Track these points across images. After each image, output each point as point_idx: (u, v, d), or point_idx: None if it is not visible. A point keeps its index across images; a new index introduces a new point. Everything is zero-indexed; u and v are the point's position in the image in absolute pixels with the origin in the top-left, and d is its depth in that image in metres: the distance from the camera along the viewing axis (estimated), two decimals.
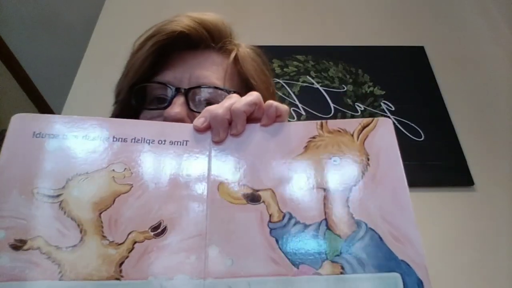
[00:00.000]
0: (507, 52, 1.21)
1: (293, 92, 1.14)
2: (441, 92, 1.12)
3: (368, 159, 0.36)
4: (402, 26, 1.31)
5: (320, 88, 1.15)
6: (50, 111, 2.18)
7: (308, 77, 1.17)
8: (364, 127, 0.38)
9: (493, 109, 1.10)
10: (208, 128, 0.37)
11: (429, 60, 1.19)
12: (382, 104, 1.10)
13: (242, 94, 0.47)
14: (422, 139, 1.02)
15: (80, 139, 0.34)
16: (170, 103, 0.46)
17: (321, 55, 1.21)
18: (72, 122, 0.35)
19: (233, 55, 0.53)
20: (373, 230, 0.33)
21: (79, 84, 1.19)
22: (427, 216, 0.93)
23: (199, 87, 0.47)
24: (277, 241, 0.32)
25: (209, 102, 0.46)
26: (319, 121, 0.38)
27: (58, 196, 0.31)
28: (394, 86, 1.13)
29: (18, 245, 0.29)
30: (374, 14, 1.34)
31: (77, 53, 1.31)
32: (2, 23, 1.86)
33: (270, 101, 0.38)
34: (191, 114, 0.45)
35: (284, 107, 0.39)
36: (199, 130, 0.37)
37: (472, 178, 0.96)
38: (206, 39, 0.54)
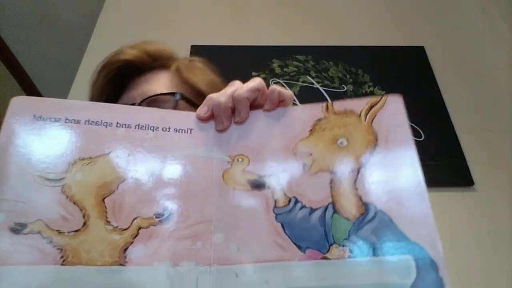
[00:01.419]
0: (507, 52, 1.21)
1: (293, 92, 1.15)
2: (441, 92, 1.12)
3: (377, 139, 0.34)
4: (402, 26, 1.31)
5: (320, 88, 1.15)
6: None
7: (308, 77, 1.17)
8: (372, 106, 0.36)
9: (493, 109, 1.10)
10: (211, 117, 0.37)
11: (429, 60, 1.19)
12: None
13: (193, 100, 0.49)
14: (422, 139, 1.02)
15: (83, 124, 0.33)
16: None
17: (321, 55, 1.21)
18: (74, 106, 0.34)
19: (174, 66, 0.56)
20: (383, 212, 0.31)
21: (79, 84, 1.19)
22: None
23: (146, 98, 0.49)
24: (283, 226, 0.31)
25: None
26: (324, 103, 0.37)
27: (60, 180, 0.30)
28: (394, 86, 1.13)
29: (18, 229, 0.28)
30: (374, 14, 1.34)
31: (77, 53, 1.31)
32: (2, 23, 1.86)
33: (273, 86, 0.38)
34: None
35: (287, 91, 0.39)
36: (202, 119, 0.37)
37: (472, 178, 0.96)
38: (149, 62, 0.57)
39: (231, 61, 1.20)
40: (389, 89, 1.12)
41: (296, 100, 1.13)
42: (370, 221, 0.31)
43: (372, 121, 0.36)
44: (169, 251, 0.30)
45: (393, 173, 0.33)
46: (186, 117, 0.37)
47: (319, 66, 1.19)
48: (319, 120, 0.37)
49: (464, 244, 0.89)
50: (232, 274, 0.29)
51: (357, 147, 0.34)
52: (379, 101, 0.37)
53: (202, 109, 0.37)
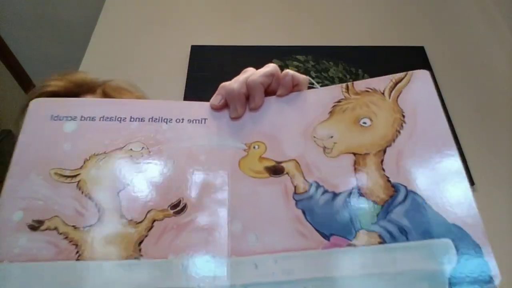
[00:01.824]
0: (507, 52, 1.21)
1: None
2: (441, 92, 1.12)
3: (403, 116, 0.32)
4: (402, 26, 1.30)
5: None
6: None
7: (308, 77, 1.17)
8: (396, 83, 0.34)
9: (493, 110, 1.10)
10: (225, 105, 0.36)
11: (429, 60, 1.19)
12: None
13: None
14: None
15: (97, 121, 0.34)
16: None
17: (321, 55, 1.21)
18: (89, 104, 0.35)
19: (100, 89, 0.56)
20: (415, 193, 0.29)
21: None
22: None
23: None
24: (304, 213, 0.30)
25: None
26: (344, 84, 0.36)
27: (75, 176, 0.31)
28: None
29: (35, 226, 0.28)
30: (374, 14, 1.34)
31: (77, 53, 1.31)
32: (2, 23, 1.86)
33: (286, 70, 0.37)
34: None
35: (302, 76, 0.37)
36: (216, 109, 0.36)
37: (472, 178, 0.96)
38: (75, 89, 0.57)
39: (231, 61, 1.20)
40: None
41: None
42: (401, 203, 0.29)
43: (397, 98, 0.34)
44: (184, 243, 0.29)
45: (425, 151, 0.30)
46: (200, 107, 0.36)
47: (319, 66, 1.19)
48: (339, 101, 0.35)
49: None
50: (251, 266, 0.28)
51: (382, 126, 0.32)
52: (403, 77, 0.34)
53: (216, 98, 0.36)
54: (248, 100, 0.36)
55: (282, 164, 0.33)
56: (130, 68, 1.22)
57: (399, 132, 0.32)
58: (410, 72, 0.35)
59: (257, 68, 0.38)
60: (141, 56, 1.24)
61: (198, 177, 0.32)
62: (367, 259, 0.27)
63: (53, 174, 0.31)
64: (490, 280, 0.25)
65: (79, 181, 0.31)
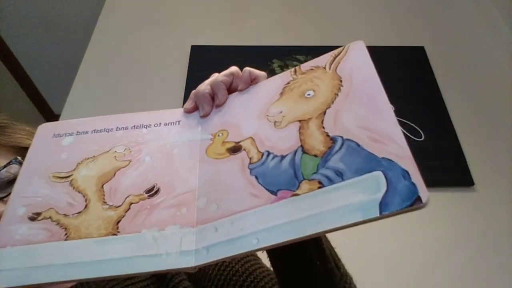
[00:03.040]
0: (507, 52, 1.21)
1: None
2: (441, 92, 1.12)
3: (341, 81, 0.37)
4: (402, 26, 1.31)
5: None
6: (50, 111, 2.18)
7: None
8: (335, 57, 0.39)
9: (493, 109, 1.10)
10: (195, 107, 0.42)
11: (429, 60, 1.19)
12: None
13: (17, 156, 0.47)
14: (422, 139, 1.02)
15: (90, 133, 0.41)
16: None
17: (321, 55, 1.21)
18: (84, 122, 0.42)
19: None
20: (350, 140, 0.32)
21: (79, 84, 1.19)
22: (427, 216, 0.93)
23: None
24: (257, 178, 0.34)
25: (10, 180, 0.45)
26: (293, 68, 0.41)
27: (68, 176, 0.38)
28: (394, 86, 1.12)
29: (34, 217, 0.35)
30: (374, 14, 1.34)
31: (77, 53, 1.31)
32: (2, 23, 1.86)
33: (245, 68, 0.42)
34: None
35: (259, 72, 0.42)
36: (188, 111, 0.43)
37: (472, 178, 0.96)
38: None
39: (231, 61, 1.20)
40: (389, 89, 1.12)
41: None
42: (338, 151, 0.32)
43: (336, 68, 0.38)
44: (156, 219, 0.34)
45: (358, 104, 0.34)
46: (175, 112, 0.43)
47: None
48: (288, 83, 0.40)
49: (464, 244, 0.89)
50: (212, 230, 0.32)
51: (323, 93, 0.37)
52: (342, 50, 0.39)
53: (187, 103, 0.43)
54: (214, 98, 0.42)
55: (240, 143, 0.38)
56: (130, 68, 1.22)
57: (337, 95, 0.36)
58: (347, 45, 0.39)
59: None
60: (141, 56, 1.24)
61: (170, 166, 0.38)
62: (309, 203, 0.30)
63: (52, 177, 0.38)
64: (417, 198, 0.27)
65: (71, 180, 0.37)
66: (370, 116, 0.33)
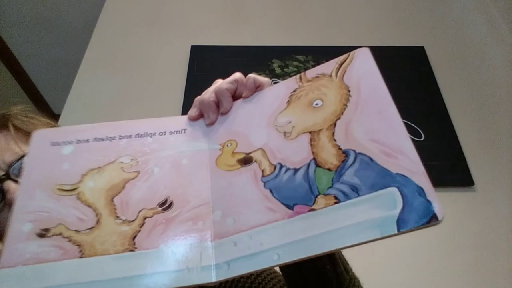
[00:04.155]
0: (507, 52, 1.21)
1: None
2: (441, 92, 1.12)
3: (349, 91, 0.36)
4: (402, 26, 1.31)
5: None
6: (50, 111, 2.18)
7: None
8: (341, 64, 0.39)
9: (493, 109, 1.10)
10: (200, 115, 0.42)
11: (429, 60, 1.19)
12: None
13: None
14: (422, 139, 1.02)
15: (91, 142, 0.39)
16: (3, 193, 0.45)
17: (321, 55, 1.21)
18: (82, 129, 0.40)
19: (11, 126, 0.53)
20: (363, 154, 0.32)
21: (79, 84, 1.19)
22: None
23: (10, 166, 0.47)
24: (271, 191, 0.34)
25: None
26: (298, 75, 0.41)
27: (75, 189, 0.36)
28: (394, 86, 1.12)
29: (43, 233, 0.33)
30: (374, 14, 1.34)
31: (77, 53, 1.31)
32: (2, 23, 1.86)
33: (249, 75, 0.42)
34: None
35: (263, 78, 0.42)
36: (193, 119, 0.42)
37: (472, 178, 0.96)
38: None
39: (231, 61, 1.20)
40: (389, 89, 1.12)
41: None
42: (351, 166, 0.32)
43: (343, 76, 0.38)
44: (172, 233, 0.33)
45: (368, 116, 0.34)
46: (179, 120, 0.42)
47: None
48: (294, 91, 0.40)
49: (464, 244, 0.89)
50: (231, 244, 0.32)
51: (331, 103, 0.36)
52: (347, 57, 0.39)
53: (192, 110, 0.42)
54: (219, 106, 0.41)
55: (251, 155, 0.37)
56: (130, 68, 1.22)
57: (346, 105, 0.36)
58: (352, 52, 0.39)
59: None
60: (141, 56, 1.24)
61: (181, 177, 0.37)
62: (326, 219, 0.30)
63: (56, 189, 0.36)
64: (433, 216, 0.27)
65: (78, 193, 0.35)
66: (381, 129, 0.33)
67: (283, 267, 0.45)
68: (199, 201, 0.35)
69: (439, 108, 1.09)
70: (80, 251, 0.32)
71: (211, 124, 0.41)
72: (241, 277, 0.50)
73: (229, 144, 0.39)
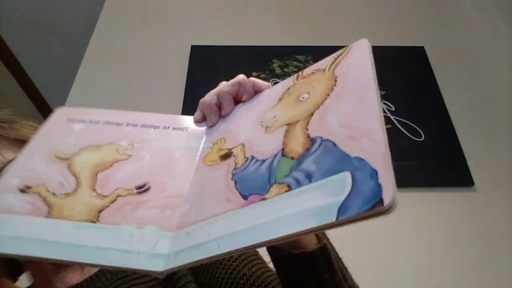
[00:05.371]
0: (507, 52, 1.21)
1: None
2: (441, 92, 1.12)
3: (336, 81, 0.35)
4: (402, 26, 1.31)
5: None
6: (50, 111, 2.18)
7: None
8: (337, 58, 0.38)
9: (493, 109, 1.10)
10: (204, 118, 0.43)
11: (429, 60, 1.19)
12: (382, 104, 1.10)
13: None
14: (422, 139, 1.02)
15: (101, 124, 0.42)
16: None
17: (321, 55, 1.20)
18: (98, 113, 0.44)
19: None
20: (329, 140, 0.30)
21: (79, 84, 1.19)
22: (427, 216, 0.93)
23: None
24: (236, 183, 0.34)
25: None
26: (296, 73, 0.41)
27: (68, 159, 0.38)
28: (394, 86, 1.13)
29: (24, 189, 0.35)
30: (374, 14, 1.34)
31: (77, 53, 1.31)
32: (2, 23, 1.86)
33: (249, 78, 0.43)
34: None
35: (264, 83, 0.43)
36: (197, 122, 0.43)
37: (472, 178, 0.96)
38: None
39: (231, 61, 1.20)
40: (389, 89, 1.12)
41: None
42: (314, 153, 0.30)
43: (335, 69, 0.37)
44: (138, 216, 0.34)
45: (345, 102, 0.32)
46: (185, 119, 0.44)
47: None
48: (288, 88, 0.40)
49: (464, 244, 0.89)
50: (185, 235, 0.32)
51: (316, 95, 0.36)
52: (344, 51, 0.38)
53: (196, 113, 0.43)
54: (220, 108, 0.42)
55: (232, 150, 0.37)
56: (130, 68, 1.22)
57: (328, 95, 0.35)
58: (351, 44, 0.38)
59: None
60: (141, 56, 1.24)
61: (167, 168, 0.38)
62: (274, 208, 0.29)
63: (53, 156, 0.38)
64: (380, 201, 0.23)
65: (70, 163, 0.38)
66: (353, 113, 0.30)
67: (279, 274, 0.45)
68: (175, 192, 0.36)
69: (439, 108, 1.09)
70: (48, 211, 0.33)
71: (212, 126, 0.42)
72: (240, 278, 0.50)
73: (219, 142, 0.40)
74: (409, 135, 1.02)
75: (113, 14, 1.36)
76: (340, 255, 0.46)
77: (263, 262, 0.55)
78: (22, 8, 1.82)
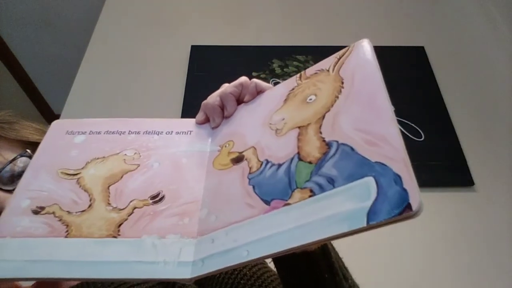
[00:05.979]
0: (507, 52, 1.21)
1: None
2: (441, 92, 1.12)
3: (343, 83, 0.35)
4: (402, 26, 1.31)
5: None
6: (50, 111, 2.18)
7: None
8: (340, 58, 0.38)
9: (493, 109, 1.10)
10: (207, 119, 0.43)
11: (429, 60, 1.19)
12: None
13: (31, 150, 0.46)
14: (422, 139, 1.02)
15: (102, 134, 0.41)
16: None
17: (321, 55, 1.20)
18: (97, 122, 0.43)
19: None
20: (345, 144, 0.30)
21: (79, 84, 1.19)
22: (427, 216, 0.93)
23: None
24: (254, 187, 0.34)
25: (19, 174, 0.45)
26: (298, 74, 0.41)
27: (77, 174, 0.38)
28: (394, 86, 1.12)
29: (38, 210, 0.35)
30: (374, 14, 1.34)
31: (77, 53, 1.31)
32: (2, 23, 1.86)
33: (252, 79, 0.43)
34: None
35: (266, 84, 0.43)
36: (199, 123, 0.43)
37: (472, 178, 0.96)
38: None
39: (231, 61, 1.20)
40: (389, 89, 1.12)
41: None
42: (332, 157, 0.30)
43: (340, 69, 0.37)
44: (157, 226, 0.34)
45: (357, 105, 0.32)
46: (187, 122, 0.43)
47: None
48: (293, 89, 0.40)
49: (464, 244, 0.89)
50: (209, 241, 0.32)
51: (324, 97, 0.36)
52: (346, 50, 0.38)
53: (199, 115, 0.43)
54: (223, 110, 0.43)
55: (243, 153, 0.37)
56: (130, 68, 1.22)
57: (337, 97, 0.34)
58: (352, 44, 0.38)
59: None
60: (141, 56, 1.24)
61: (178, 174, 0.38)
62: (299, 214, 0.29)
63: (60, 173, 0.38)
64: (407, 206, 0.24)
65: (79, 178, 0.37)
66: (367, 117, 0.31)
67: (280, 275, 0.45)
68: (190, 198, 0.36)
69: (439, 108, 1.09)
70: (67, 231, 0.33)
71: (216, 127, 0.42)
72: (241, 278, 0.50)
73: (227, 145, 0.39)
74: (409, 135, 1.02)
75: (113, 14, 1.36)
76: (340, 255, 0.46)
77: (264, 262, 0.55)
78: (22, 8, 1.82)
